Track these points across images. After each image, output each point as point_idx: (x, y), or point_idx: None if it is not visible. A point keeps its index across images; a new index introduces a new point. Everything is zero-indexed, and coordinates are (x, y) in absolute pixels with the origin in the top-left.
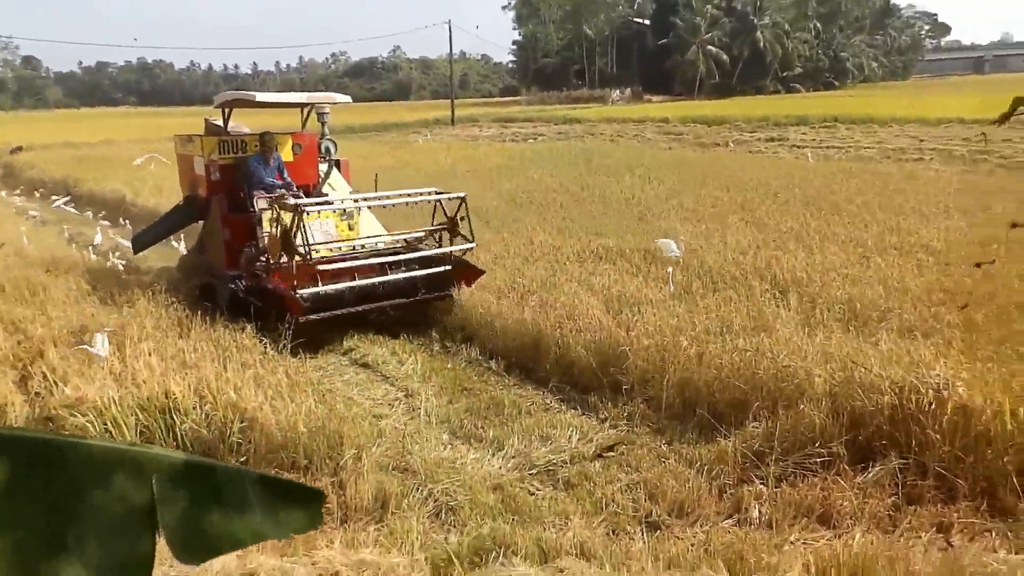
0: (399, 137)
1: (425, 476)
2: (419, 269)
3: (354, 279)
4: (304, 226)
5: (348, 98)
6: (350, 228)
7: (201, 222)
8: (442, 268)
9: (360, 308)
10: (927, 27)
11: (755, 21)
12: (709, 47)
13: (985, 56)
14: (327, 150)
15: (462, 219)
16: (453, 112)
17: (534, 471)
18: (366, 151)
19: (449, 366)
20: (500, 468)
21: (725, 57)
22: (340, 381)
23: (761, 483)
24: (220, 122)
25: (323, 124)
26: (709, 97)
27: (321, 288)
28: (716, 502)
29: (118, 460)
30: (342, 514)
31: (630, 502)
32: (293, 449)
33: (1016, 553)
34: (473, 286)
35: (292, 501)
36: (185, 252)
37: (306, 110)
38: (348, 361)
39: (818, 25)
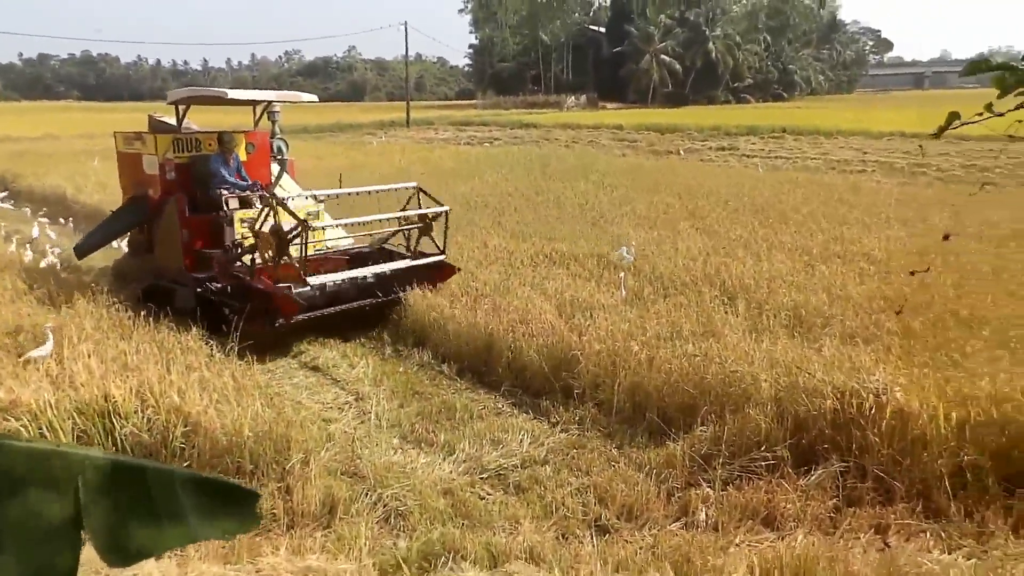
0: (353, 138)
1: (375, 481)
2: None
3: (336, 273)
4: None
5: (314, 97)
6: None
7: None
8: (433, 259)
9: (354, 304)
10: (871, 43)
11: (707, 32)
12: (663, 56)
13: (925, 72)
14: (279, 149)
15: (435, 227)
16: (408, 114)
17: (485, 475)
18: (320, 151)
19: (401, 370)
20: (451, 472)
21: (678, 67)
22: (289, 384)
23: (708, 486)
24: (167, 119)
25: (274, 123)
26: (662, 105)
27: (323, 279)
28: (664, 505)
29: (41, 461)
30: (288, 520)
31: (580, 506)
32: (239, 454)
33: (949, 553)
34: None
35: (226, 502)
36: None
37: (259, 108)
38: (298, 364)
39: (768, 38)
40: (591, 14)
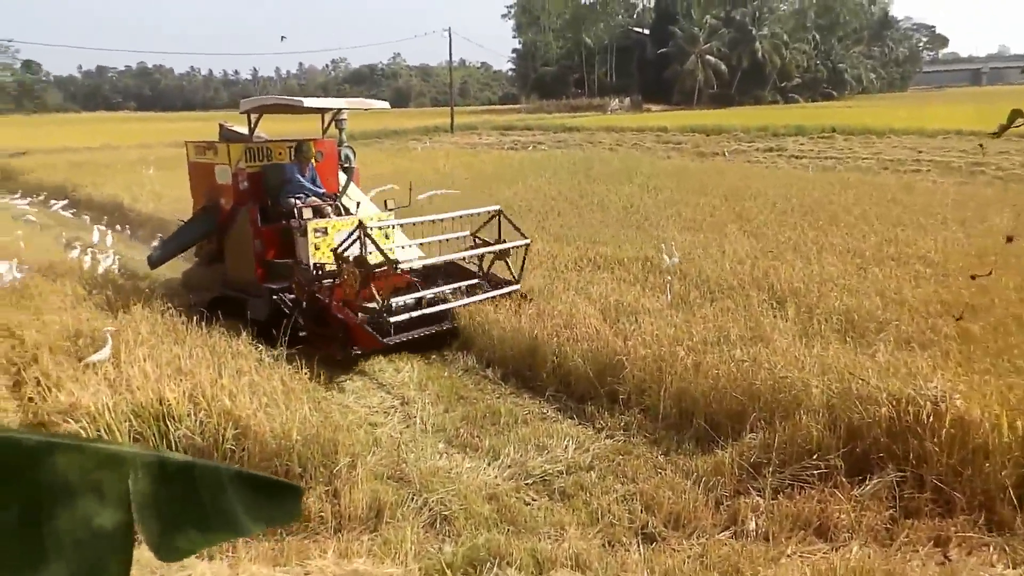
0: (398, 144)
1: (420, 485)
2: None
3: (414, 311)
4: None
5: (386, 104)
6: (387, 237)
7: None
8: (510, 289)
9: (427, 331)
10: (925, 39)
11: (754, 32)
12: (708, 57)
13: (982, 68)
14: (346, 157)
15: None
16: (452, 119)
17: (530, 481)
18: (364, 158)
19: (446, 374)
20: (496, 478)
21: (724, 67)
22: (336, 388)
23: (758, 495)
24: (237, 128)
25: (341, 131)
26: (708, 107)
27: (401, 318)
28: (713, 514)
29: (91, 463)
30: (336, 523)
31: (626, 513)
32: (287, 457)
33: (1013, 567)
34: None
35: (270, 496)
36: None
37: (327, 116)
38: (344, 368)
39: (816, 36)
40: (635, 16)
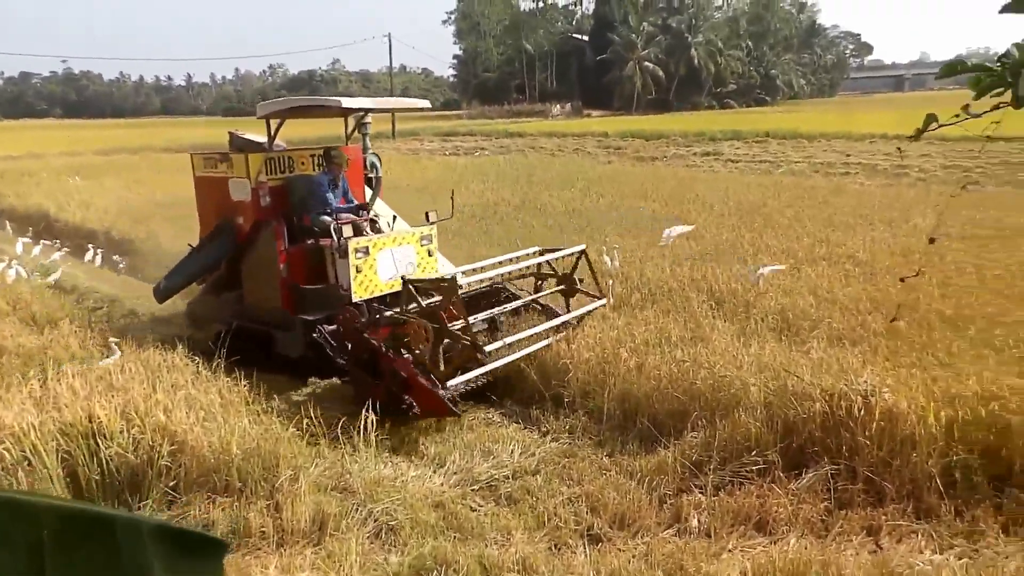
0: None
1: (365, 495)
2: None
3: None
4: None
5: (427, 103)
6: (430, 255)
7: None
8: (596, 305)
9: (495, 365)
10: (851, 46)
11: (689, 39)
12: (646, 63)
13: (905, 75)
14: (372, 166)
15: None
16: (394, 125)
17: (476, 487)
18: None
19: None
20: (442, 485)
21: (661, 73)
22: (277, 399)
23: (700, 492)
24: (250, 136)
25: (365, 136)
26: (647, 112)
27: (467, 377)
28: (657, 512)
29: (3, 510)
30: (278, 538)
31: (572, 515)
32: (226, 472)
33: (940, 553)
34: None
35: (192, 551)
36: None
37: (352, 119)
38: (285, 378)
39: (749, 43)
40: (574, 23)
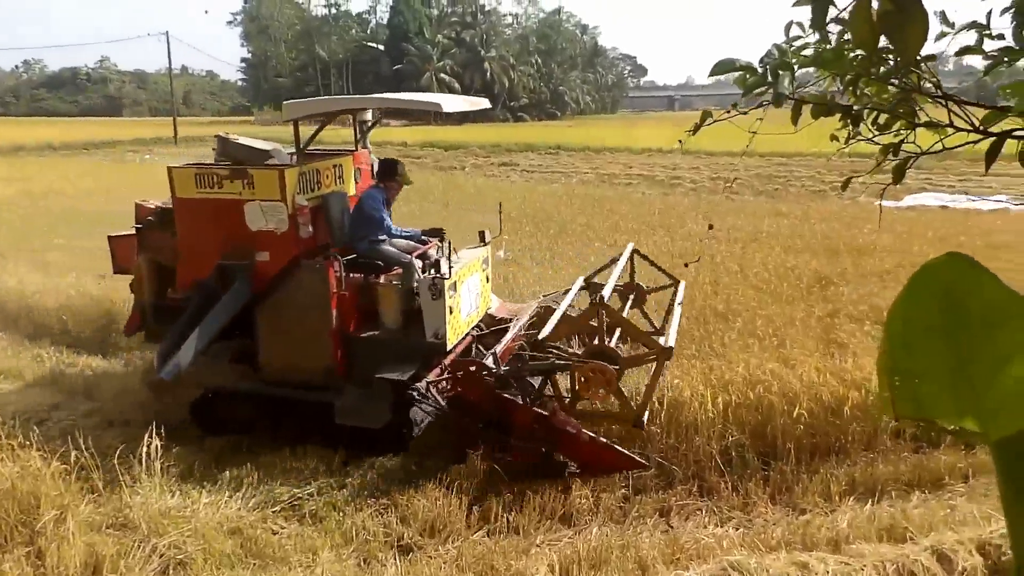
0: (111, 156)
1: (148, 530)
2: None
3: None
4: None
5: (486, 102)
6: (487, 280)
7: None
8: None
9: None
10: (629, 68)
11: (483, 53)
12: (442, 75)
13: (675, 95)
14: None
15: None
16: (176, 130)
17: (278, 508)
18: (71, 171)
19: (173, 401)
20: (239, 510)
21: (457, 85)
22: (37, 430)
23: (507, 492)
24: (245, 141)
25: (365, 138)
26: (445, 123)
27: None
28: (467, 516)
29: None
30: None
31: (381, 528)
32: None
33: (721, 526)
34: None
35: None
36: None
37: (365, 120)
38: (47, 407)
39: (538, 60)
40: (368, 31)
